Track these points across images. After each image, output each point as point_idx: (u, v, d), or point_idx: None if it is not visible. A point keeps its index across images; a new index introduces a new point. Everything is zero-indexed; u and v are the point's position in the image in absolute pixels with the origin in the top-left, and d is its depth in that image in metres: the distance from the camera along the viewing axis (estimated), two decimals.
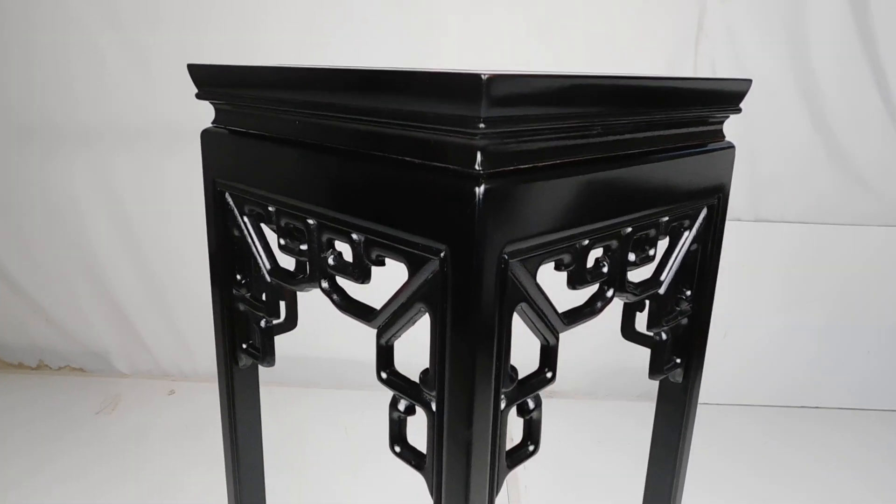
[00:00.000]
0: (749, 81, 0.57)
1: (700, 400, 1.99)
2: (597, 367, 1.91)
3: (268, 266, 0.55)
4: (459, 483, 0.42)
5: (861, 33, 1.62)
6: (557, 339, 0.46)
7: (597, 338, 1.87)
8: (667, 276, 0.55)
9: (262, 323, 0.59)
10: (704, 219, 0.57)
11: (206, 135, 0.58)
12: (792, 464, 1.71)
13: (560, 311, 0.46)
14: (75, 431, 1.71)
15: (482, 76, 0.34)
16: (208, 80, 0.55)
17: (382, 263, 0.46)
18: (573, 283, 0.46)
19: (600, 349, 1.89)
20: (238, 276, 0.59)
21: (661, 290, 0.56)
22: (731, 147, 0.58)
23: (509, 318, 0.41)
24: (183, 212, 1.80)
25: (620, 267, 0.49)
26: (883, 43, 1.61)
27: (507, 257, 0.39)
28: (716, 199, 0.58)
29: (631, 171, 0.47)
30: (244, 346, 0.61)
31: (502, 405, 0.43)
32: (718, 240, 0.60)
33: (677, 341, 0.61)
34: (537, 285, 0.43)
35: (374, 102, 0.41)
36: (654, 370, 0.60)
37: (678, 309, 0.59)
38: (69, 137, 1.80)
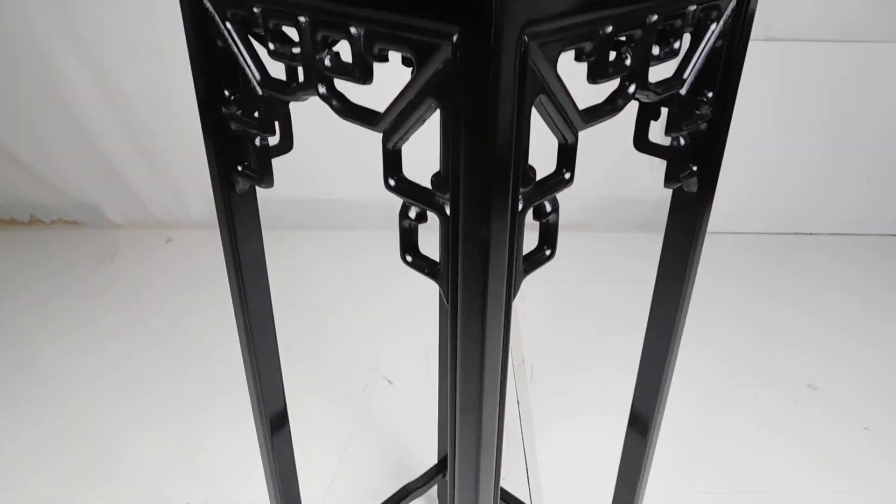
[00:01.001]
0: None
1: (737, 229, 1.98)
2: (595, 200, 1.91)
3: (258, 77, 0.51)
4: (476, 287, 0.41)
5: None
6: (577, 136, 0.43)
7: (595, 170, 1.85)
8: (689, 74, 0.52)
9: (257, 141, 0.55)
10: (733, 9, 0.52)
11: None
12: (790, 287, 1.76)
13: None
14: (78, 283, 1.73)
15: None
16: None
17: (385, 59, 0.42)
18: (594, 75, 0.43)
19: (598, 183, 1.88)
20: (226, 93, 0.55)
21: (683, 90, 0.52)
22: None
23: (528, 111, 0.38)
24: (154, 48, 1.69)
25: (643, 60, 0.45)
26: None
27: (526, 40, 0.35)
28: None
29: None
30: (239, 168, 0.58)
31: (520, 206, 0.41)
32: (746, 36, 0.55)
33: (694, 147, 0.58)
34: (557, 75, 0.39)
35: None
36: (670, 177, 0.58)
37: (698, 112, 0.56)
38: None
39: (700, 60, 0.52)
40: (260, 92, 0.52)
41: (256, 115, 0.54)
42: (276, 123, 0.54)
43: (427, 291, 1.51)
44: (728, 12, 0.52)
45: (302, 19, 0.44)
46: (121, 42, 1.75)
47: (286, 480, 0.79)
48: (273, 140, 0.56)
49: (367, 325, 1.55)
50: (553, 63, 0.38)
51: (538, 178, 0.43)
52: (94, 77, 1.79)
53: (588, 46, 0.41)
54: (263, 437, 0.76)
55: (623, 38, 0.44)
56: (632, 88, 0.45)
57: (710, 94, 0.56)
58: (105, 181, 1.94)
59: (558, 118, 0.41)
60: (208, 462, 1.21)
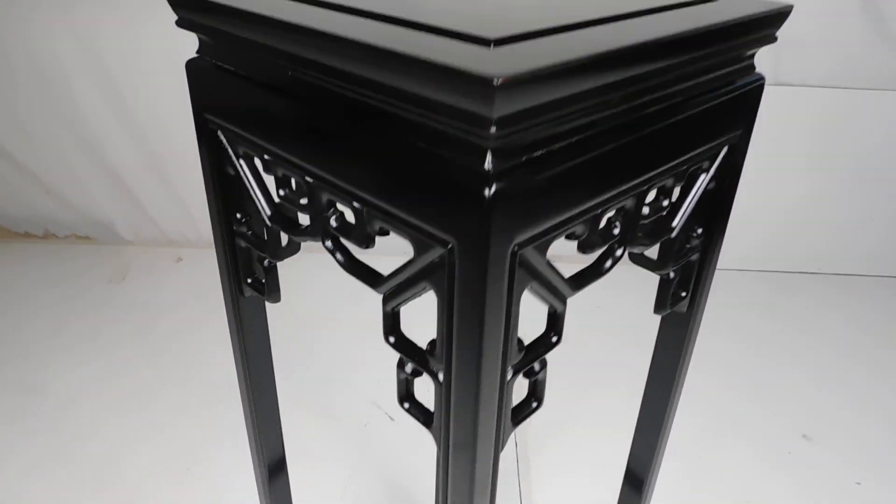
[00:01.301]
0: (790, 7, 0.51)
1: (721, 266, 2.03)
2: None
3: (268, 212, 0.53)
4: (467, 444, 0.44)
5: None
6: (565, 304, 0.46)
7: None
8: (679, 221, 0.54)
9: (266, 262, 0.58)
10: (724, 157, 0.55)
11: (191, 66, 0.53)
12: (793, 329, 1.78)
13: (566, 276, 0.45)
14: (91, 300, 1.77)
15: (494, 80, 0.30)
16: (187, 8, 0.50)
17: (387, 233, 0.44)
18: (584, 249, 0.45)
19: None
20: (238, 215, 0.58)
21: (673, 235, 0.55)
22: (762, 80, 0.54)
23: (518, 299, 0.41)
24: (172, 74, 1.72)
25: (633, 224, 0.48)
26: None
27: (517, 249, 0.38)
28: (739, 136, 0.54)
29: (652, 131, 0.44)
30: (248, 280, 0.61)
31: (508, 376, 0.44)
32: (736, 176, 0.57)
33: (685, 275, 0.61)
34: (547, 262, 0.42)
35: (377, 77, 0.37)
36: (660, 306, 0.60)
37: (688, 247, 0.58)
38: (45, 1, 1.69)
39: (691, 206, 0.55)
40: (268, 224, 0.54)
41: (265, 236, 0.57)
42: (284, 248, 0.57)
43: (430, 322, 1.54)
44: (720, 159, 0.55)
45: (309, 179, 0.46)
46: (136, 64, 1.78)
47: None
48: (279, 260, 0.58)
49: (368, 357, 1.58)
50: (544, 254, 0.41)
51: (530, 332, 0.46)
52: (108, 99, 1.83)
53: (579, 230, 0.43)
54: (262, 485, 0.79)
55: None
56: (620, 251, 0.48)
57: (700, 230, 0.58)
58: (118, 199, 1.98)
59: (548, 295, 0.44)
60: (213, 480, 1.24)
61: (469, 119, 0.33)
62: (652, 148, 0.45)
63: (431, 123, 0.36)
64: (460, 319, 0.39)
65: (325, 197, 0.46)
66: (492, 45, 0.36)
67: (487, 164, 0.34)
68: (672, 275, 0.59)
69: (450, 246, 0.37)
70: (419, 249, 0.40)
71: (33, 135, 1.84)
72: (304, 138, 0.45)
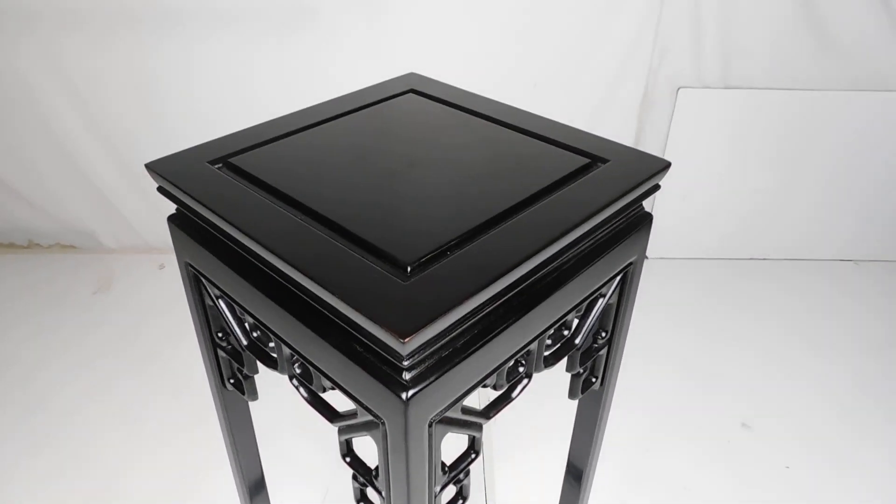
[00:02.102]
0: (668, 163, 0.62)
1: (684, 255, 2.10)
2: None
3: (243, 342, 0.64)
4: None
5: None
6: (482, 430, 0.58)
7: None
8: (582, 339, 0.65)
9: (243, 373, 0.69)
10: (620, 282, 0.66)
11: (172, 221, 0.63)
12: (734, 315, 1.92)
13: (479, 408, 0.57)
14: (76, 311, 1.87)
15: (402, 342, 0.41)
16: (166, 185, 0.60)
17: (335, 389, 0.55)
18: (494, 388, 0.57)
19: None
20: (219, 334, 0.68)
21: (578, 347, 0.66)
22: (649, 218, 0.65)
23: (439, 444, 0.52)
24: (139, 89, 1.79)
25: (538, 359, 0.59)
26: None
27: (433, 420, 0.49)
28: (634, 261, 0.65)
29: (550, 300, 0.55)
30: (230, 380, 0.72)
31: (436, 492, 0.56)
32: (634, 289, 0.69)
33: (594, 366, 0.73)
34: (463, 409, 0.53)
35: (317, 293, 0.48)
36: (573, 394, 0.72)
37: (595, 347, 0.70)
38: (11, 19, 1.74)
39: (593, 324, 0.66)
40: (244, 352, 0.65)
41: (243, 357, 0.68)
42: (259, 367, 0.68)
43: None
44: (615, 285, 0.66)
45: (272, 337, 0.57)
46: (110, 77, 1.84)
47: None
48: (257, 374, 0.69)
49: None
50: (458, 409, 0.53)
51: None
52: (79, 114, 1.90)
53: (490, 382, 0.55)
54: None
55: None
56: (526, 380, 0.60)
57: (605, 333, 0.70)
58: (98, 210, 2.06)
59: (465, 430, 0.55)
60: (202, 487, 1.37)
61: (387, 348, 0.44)
62: (551, 309, 0.56)
63: (361, 337, 0.47)
64: (393, 464, 0.51)
65: (287, 350, 0.57)
66: (408, 271, 0.47)
67: (404, 375, 0.45)
68: (582, 371, 0.70)
69: (382, 420, 0.49)
70: (361, 413, 0.52)
71: (10, 149, 1.91)
72: (267, 309, 0.55)
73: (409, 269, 0.47)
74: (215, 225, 0.56)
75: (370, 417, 0.51)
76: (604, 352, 0.71)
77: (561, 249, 0.54)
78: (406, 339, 0.41)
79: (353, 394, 0.50)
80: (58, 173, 1.95)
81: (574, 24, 1.70)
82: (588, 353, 0.69)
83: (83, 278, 2.00)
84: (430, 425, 0.49)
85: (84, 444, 1.49)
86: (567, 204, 0.56)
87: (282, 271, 0.51)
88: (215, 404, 0.77)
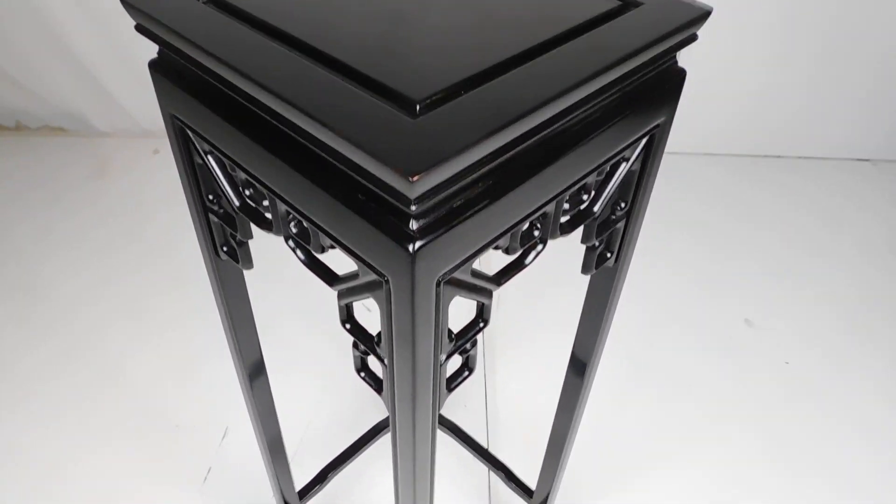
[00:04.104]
0: (710, 8, 0.55)
1: (677, 149, 2.10)
2: None
3: (236, 203, 0.59)
4: (408, 410, 0.54)
5: None
6: (491, 297, 0.54)
7: None
8: (601, 206, 0.61)
9: (236, 239, 0.65)
10: (644, 146, 0.61)
11: (153, 67, 0.57)
12: (752, 212, 1.88)
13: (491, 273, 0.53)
14: (71, 196, 1.82)
15: (409, 181, 0.36)
16: (145, 22, 0.53)
17: (335, 248, 0.51)
18: (507, 252, 0.53)
19: None
20: (210, 196, 0.63)
21: (596, 216, 0.62)
22: (683, 73, 0.59)
23: (447, 307, 0.49)
24: None
25: (553, 224, 0.55)
26: None
27: (441, 279, 0.45)
28: (662, 123, 0.60)
29: (570, 156, 0.50)
30: (224, 248, 0.68)
31: (441, 360, 0.53)
32: (659, 154, 0.63)
33: (610, 240, 0.68)
34: (472, 273, 0.49)
35: (319, 135, 0.42)
36: (587, 267, 0.68)
37: (613, 218, 0.65)
38: None
39: (612, 191, 0.61)
40: (236, 213, 0.61)
41: (236, 220, 0.63)
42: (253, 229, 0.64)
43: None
44: (639, 149, 0.60)
45: (266, 193, 0.53)
46: None
47: (266, 419, 0.94)
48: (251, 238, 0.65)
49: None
50: (468, 271, 0.49)
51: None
52: None
53: (501, 243, 0.50)
54: (245, 388, 0.90)
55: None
56: (541, 246, 0.55)
57: (624, 205, 0.65)
58: (89, 91, 1.97)
59: (474, 294, 0.52)
60: (202, 381, 1.38)
61: (394, 192, 0.40)
62: (571, 166, 0.51)
63: (365, 183, 0.42)
64: (397, 326, 0.48)
65: (282, 208, 0.53)
66: (417, 109, 0.42)
67: (411, 224, 0.41)
68: (597, 244, 0.66)
69: (386, 278, 0.45)
70: (363, 272, 0.48)
71: None
72: (261, 160, 0.50)
73: (417, 106, 0.42)
74: (202, 65, 0.50)
75: (373, 277, 0.47)
76: (621, 225, 0.67)
77: (586, 97, 0.48)
78: (414, 178, 0.36)
79: (355, 250, 0.46)
80: (46, 51, 1.85)
81: None
82: (605, 225, 0.64)
83: (76, 162, 1.94)
84: (437, 285, 0.45)
85: (85, 331, 1.49)
86: (595, 47, 0.49)
87: (276, 113, 0.45)
88: (209, 274, 0.73)
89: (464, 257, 0.46)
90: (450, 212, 0.43)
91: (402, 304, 0.45)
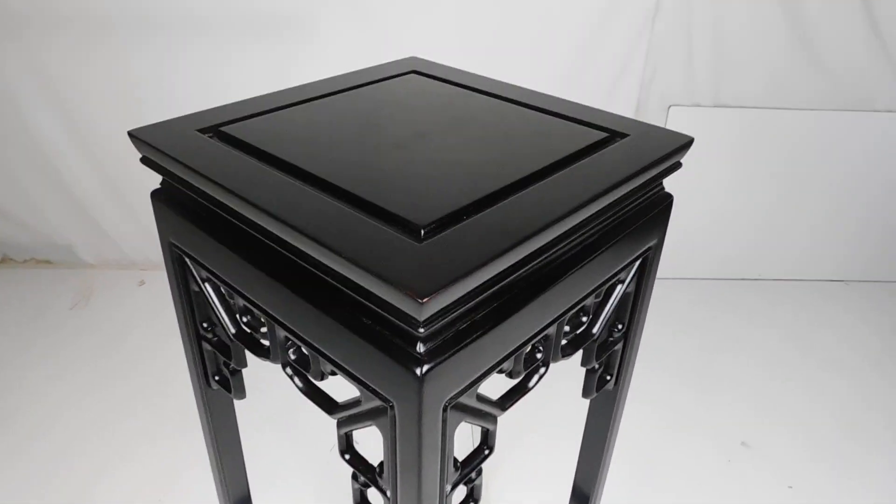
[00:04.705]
0: (691, 139, 0.58)
1: (674, 275, 2.06)
2: None
3: (232, 330, 0.59)
4: None
5: None
6: (496, 423, 0.52)
7: None
8: (600, 328, 0.61)
9: (230, 368, 0.64)
10: (638, 268, 0.62)
11: (155, 197, 0.58)
12: (731, 335, 1.89)
13: (495, 398, 0.52)
14: (54, 328, 1.78)
15: (419, 303, 0.36)
16: (151, 153, 0.55)
17: (336, 374, 0.50)
18: (511, 376, 0.52)
19: None
20: (204, 324, 0.63)
21: (595, 338, 0.61)
22: (670, 199, 0.61)
23: (452, 434, 0.47)
24: (121, 96, 1.74)
25: (555, 346, 0.55)
26: None
27: (448, 404, 0.44)
28: (653, 246, 0.61)
29: (569, 278, 0.50)
30: (216, 377, 0.66)
31: (447, 491, 0.50)
32: (652, 275, 0.64)
33: (609, 363, 0.68)
34: (477, 397, 0.48)
35: (326, 261, 0.43)
36: (588, 391, 0.67)
37: (611, 340, 0.65)
38: None
39: (610, 313, 0.61)
40: (232, 341, 0.60)
41: (230, 348, 0.62)
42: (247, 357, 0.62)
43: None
44: (633, 271, 0.62)
45: (265, 320, 0.52)
46: (92, 84, 1.79)
47: None
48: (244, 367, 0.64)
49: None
50: (473, 396, 0.48)
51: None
52: (60, 121, 1.85)
53: (506, 366, 0.50)
54: None
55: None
56: (544, 369, 0.55)
57: (621, 326, 0.65)
58: (76, 222, 1.99)
59: (479, 421, 0.50)
60: (180, 500, 1.29)
61: (401, 315, 0.39)
62: (571, 288, 0.51)
63: (372, 307, 0.42)
64: (402, 455, 0.46)
65: (281, 334, 0.52)
66: (422, 234, 0.42)
67: (418, 347, 0.40)
68: (597, 366, 0.66)
69: (391, 403, 0.44)
70: (366, 399, 0.46)
71: None
72: (262, 285, 0.50)
73: (422, 231, 0.43)
74: (206, 195, 0.51)
75: (376, 403, 0.46)
76: (619, 347, 0.67)
77: (582, 221, 0.50)
78: (424, 300, 0.36)
79: (359, 375, 0.45)
80: (34, 182, 1.88)
81: (566, 40, 1.69)
82: (604, 347, 0.64)
83: (60, 293, 1.92)
84: (444, 410, 0.44)
85: (59, 455, 1.42)
86: (588, 174, 0.52)
87: (280, 239, 0.46)
88: (198, 405, 0.71)
89: (471, 380, 0.45)
90: (456, 334, 0.42)
91: (407, 430, 0.44)
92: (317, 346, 0.48)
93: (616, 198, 0.52)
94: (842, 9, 1.68)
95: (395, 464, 0.47)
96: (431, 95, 0.66)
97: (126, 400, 1.55)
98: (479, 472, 0.54)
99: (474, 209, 0.46)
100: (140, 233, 1.98)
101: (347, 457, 0.53)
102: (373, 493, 0.54)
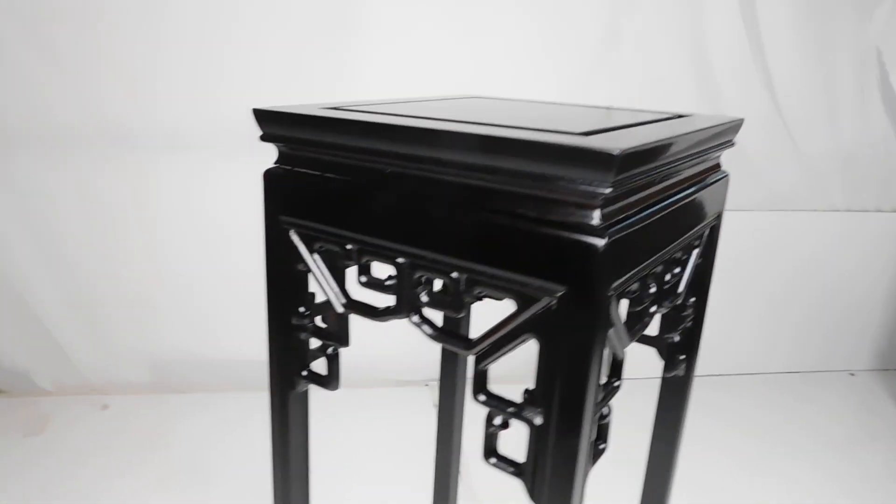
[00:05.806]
0: (741, 120, 0.68)
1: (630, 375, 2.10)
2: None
3: (342, 301, 0.59)
4: (566, 483, 0.49)
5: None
6: (624, 353, 0.54)
7: None
8: (684, 287, 0.65)
9: (330, 350, 0.63)
10: (707, 236, 0.68)
11: (269, 174, 0.60)
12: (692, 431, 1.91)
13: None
14: (4, 458, 1.61)
15: (613, 153, 0.41)
16: (276, 125, 0.58)
17: (481, 298, 0.52)
18: (634, 304, 0.55)
19: None
20: (301, 309, 0.62)
21: (680, 301, 0.66)
22: (727, 175, 0.69)
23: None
24: (86, 207, 1.73)
25: (661, 286, 0.58)
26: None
27: (611, 294, 0.46)
28: (717, 218, 0.68)
29: (690, 199, 0.56)
30: (304, 373, 0.65)
31: (603, 412, 0.51)
32: (714, 252, 0.70)
33: (682, 343, 0.71)
34: (619, 313, 0.51)
35: (489, 162, 0.46)
36: (669, 367, 0.70)
37: (684, 314, 0.69)
38: None
39: (689, 276, 0.66)
40: (340, 311, 0.60)
41: (331, 327, 0.62)
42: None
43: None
44: (704, 238, 0.68)
45: (401, 260, 0.54)
46: (59, 200, 1.78)
47: None
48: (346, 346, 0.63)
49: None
50: (617, 305, 0.50)
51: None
52: (24, 235, 1.80)
53: (634, 287, 0.53)
54: None
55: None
56: (653, 308, 0.58)
57: (693, 299, 0.70)
58: (34, 345, 1.88)
59: (616, 342, 0.52)
60: None
61: (585, 186, 0.43)
62: (689, 214, 0.57)
63: (541, 194, 0.45)
64: (570, 361, 0.47)
65: (416, 274, 0.53)
66: (581, 135, 0.47)
67: (598, 219, 0.44)
68: (676, 338, 0.69)
69: (560, 294, 0.46)
70: (523, 304, 0.48)
71: None
72: (400, 223, 0.52)
73: (581, 135, 0.48)
74: (346, 147, 0.54)
75: (533, 311, 0.47)
76: (690, 324, 0.71)
77: (699, 151, 0.57)
78: (619, 152, 0.41)
79: (519, 276, 0.47)
80: None
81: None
82: (679, 320, 0.68)
83: (12, 422, 1.76)
84: (609, 301, 0.46)
85: None
86: (689, 121, 0.59)
87: (440, 160, 0.49)
88: (272, 419, 0.68)
89: (631, 271, 0.48)
90: (626, 219, 0.46)
91: (577, 322, 0.45)
92: (466, 264, 0.49)
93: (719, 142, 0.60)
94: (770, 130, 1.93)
95: (554, 374, 0.47)
96: (512, 104, 0.74)
97: None
98: (610, 411, 0.55)
99: (612, 130, 0.52)
100: (102, 354, 1.88)
101: (482, 398, 0.52)
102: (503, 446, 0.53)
